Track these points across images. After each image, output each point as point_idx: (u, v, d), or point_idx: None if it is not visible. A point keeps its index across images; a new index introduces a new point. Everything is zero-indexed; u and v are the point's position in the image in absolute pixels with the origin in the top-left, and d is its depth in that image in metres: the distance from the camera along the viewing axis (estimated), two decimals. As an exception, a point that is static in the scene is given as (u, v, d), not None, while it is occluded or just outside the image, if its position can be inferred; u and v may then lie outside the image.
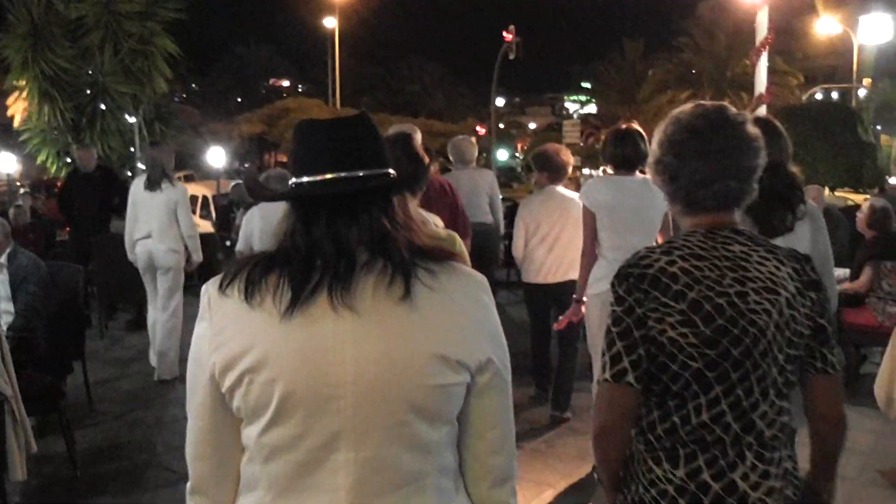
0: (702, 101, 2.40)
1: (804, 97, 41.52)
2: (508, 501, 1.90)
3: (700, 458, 2.20)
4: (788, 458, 2.27)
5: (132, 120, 19.57)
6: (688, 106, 2.38)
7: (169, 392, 7.78)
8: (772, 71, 41.61)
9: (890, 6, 29.23)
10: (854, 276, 7.87)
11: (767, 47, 8.61)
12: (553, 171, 6.70)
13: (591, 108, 68.41)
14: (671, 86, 44.11)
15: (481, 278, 1.86)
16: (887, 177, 21.88)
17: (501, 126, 56.61)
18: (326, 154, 1.78)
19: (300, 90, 67.88)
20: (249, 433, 1.74)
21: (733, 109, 2.35)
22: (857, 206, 11.36)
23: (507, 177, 41.66)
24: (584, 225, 5.45)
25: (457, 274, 1.81)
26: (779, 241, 2.51)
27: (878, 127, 22.71)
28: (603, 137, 5.89)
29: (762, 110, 8.81)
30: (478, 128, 42.85)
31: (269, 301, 1.69)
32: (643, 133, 5.41)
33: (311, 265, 1.71)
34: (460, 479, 1.86)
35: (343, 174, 1.75)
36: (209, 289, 1.79)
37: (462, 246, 3.71)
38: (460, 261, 1.85)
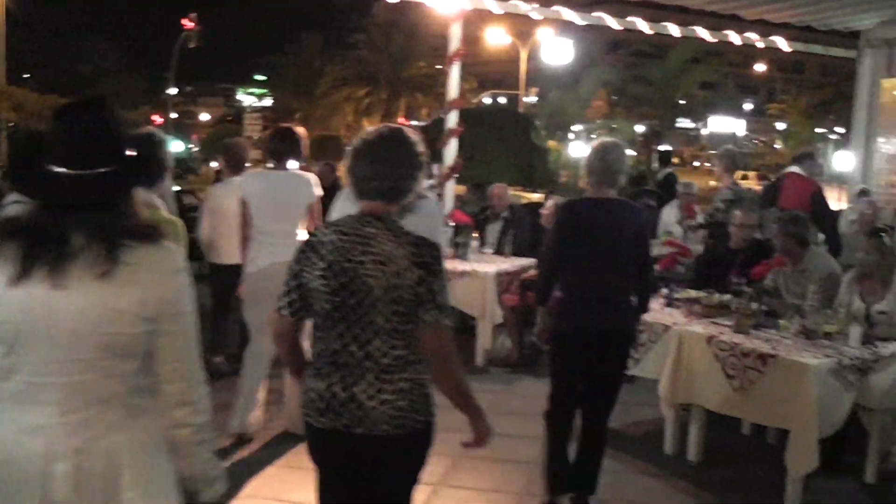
0: (389, 124, 3.38)
1: (475, 100, 43.82)
2: (187, 420, 2.48)
3: (334, 375, 3.14)
4: (406, 380, 3.14)
5: None
6: (376, 126, 3.35)
7: None
8: (444, 73, 43.30)
9: (554, 27, 31.63)
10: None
11: (460, 58, 9.30)
12: (233, 163, 7.39)
13: (268, 102, 68.10)
14: (349, 83, 45.02)
15: (175, 250, 2.50)
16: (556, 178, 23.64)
17: (175, 116, 55.06)
18: (64, 148, 2.33)
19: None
20: None
21: (407, 132, 3.27)
22: (537, 203, 12.40)
23: (182, 168, 40.54)
24: (241, 212, 6.13)
25: (153, 249, 2.41)
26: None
27: (544, 132, 24.56)
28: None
29: (454, 115, 9.54)
30: (154, 117, 41.62)
31: (2, 268, 2.27)
32: (297, 132, 6.29)
33: (37, 244, 2.28)
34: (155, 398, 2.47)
35: (75, 172, 2.33)
36: None
37: (180, 228, 4.37)
38: (167, 239, 2.48)
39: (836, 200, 13.96)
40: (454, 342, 3.17)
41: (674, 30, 10.28)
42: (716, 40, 10.94)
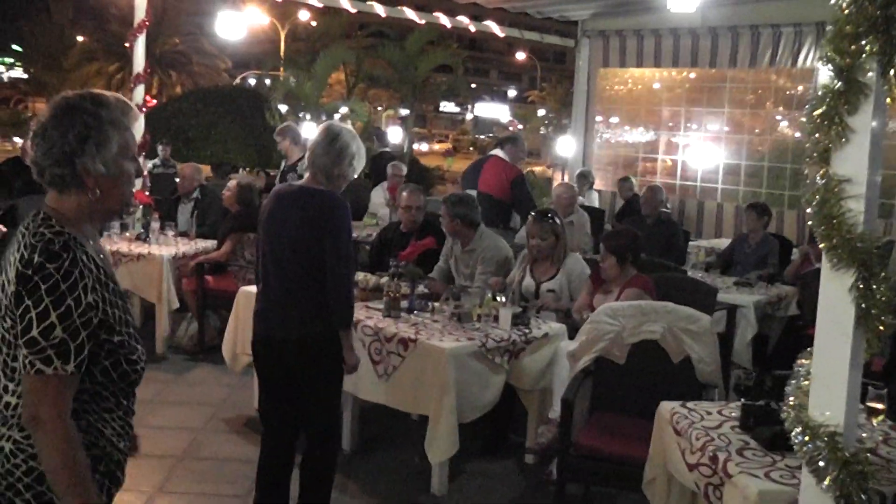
0: (95, 90, 2.46)
1: (237, 81, 42.68)
2: None
3: None
4: (8, 439, 2.30)
5: None
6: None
7: None
8: (198, 52, 41.91)
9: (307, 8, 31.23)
10: (218, 246, 8.29)
11: (144, 29, 8.83)
12: None
13: (21, 73, 64.24)
14: (99, 57, 42.94)
15: None
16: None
17: None
18: None
19: None
20: None
21: (64, 101, 2.39)
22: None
23: None
24: None
25: None
26: None
27: (302, 115, 24.14)
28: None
29: (141, 89, 9.08)
30: None
31: None
32: None
33: None
34: None
35: None
36: None
37: None
38: None
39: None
40: (56, 400, 2.21)
41: (379, 9, 10.07)
42: (423, 22, 10.83)
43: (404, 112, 31.34)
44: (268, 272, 4.50)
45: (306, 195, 4.43)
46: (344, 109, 22.20)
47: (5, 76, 64.94)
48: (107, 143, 2.38)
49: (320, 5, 10.13)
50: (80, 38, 47.88)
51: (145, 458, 5.61)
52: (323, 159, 4.43)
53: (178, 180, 9.81)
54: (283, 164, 10.33)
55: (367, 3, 10.09)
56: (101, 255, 2.45)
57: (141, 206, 8.90)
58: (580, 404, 5.15)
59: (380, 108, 45.79)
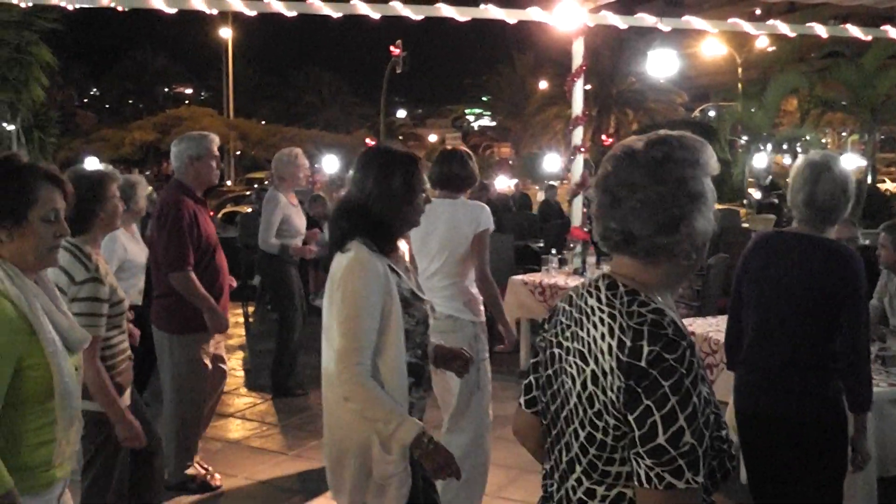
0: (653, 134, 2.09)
1: (695, 113, 42.57)
2: None
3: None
4: None
5: (10, 128, 19.77)
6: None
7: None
8: (654, 88, 42.38)
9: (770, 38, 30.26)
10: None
11: (582, 74, 9.19)
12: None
13: (488, 121, 69.30)
14: (558, 101, 44.93)
15: None
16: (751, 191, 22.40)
17: (401, 138, 56.78)
18: None
19: (203, 97, 67.72)
20: None
21: (681, 141, 2.03)
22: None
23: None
24: None
25: None
26: None
27: (745, 139, 23.47)
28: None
29: (580, 131, 9.39)
30: (368, 140, 43.30)
31: None
32: (470, 154, 5.35)
33: None
34: None
35: None
36: None
37: None
38: None
39: None
40: None
41: (820, 30, 9.70)
42: (868, 38, 10.22)
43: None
44: (758, 335, 3.82)
45: (809, 246, 3.69)
46: (808, 136, 21.44)
47: (476, 125, 70.47)
48: (707, 194, 1.99)
49: (714, 31, 9.97)
50: (540, 86, 50.58)
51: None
52: (830, 201, 3.67)
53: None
54: None
55: (808, 25, 9.76)
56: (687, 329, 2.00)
57: (580, 242, 9.25)
58: None
59: (844, 134, 43.46)
